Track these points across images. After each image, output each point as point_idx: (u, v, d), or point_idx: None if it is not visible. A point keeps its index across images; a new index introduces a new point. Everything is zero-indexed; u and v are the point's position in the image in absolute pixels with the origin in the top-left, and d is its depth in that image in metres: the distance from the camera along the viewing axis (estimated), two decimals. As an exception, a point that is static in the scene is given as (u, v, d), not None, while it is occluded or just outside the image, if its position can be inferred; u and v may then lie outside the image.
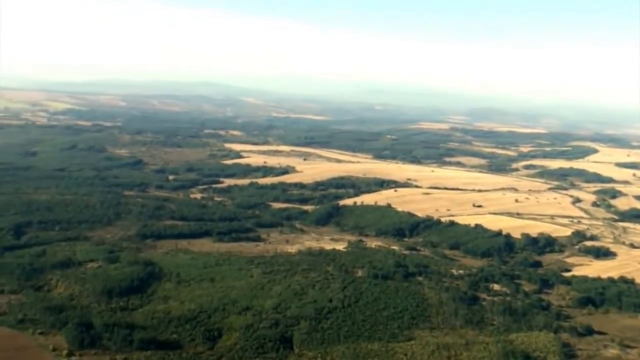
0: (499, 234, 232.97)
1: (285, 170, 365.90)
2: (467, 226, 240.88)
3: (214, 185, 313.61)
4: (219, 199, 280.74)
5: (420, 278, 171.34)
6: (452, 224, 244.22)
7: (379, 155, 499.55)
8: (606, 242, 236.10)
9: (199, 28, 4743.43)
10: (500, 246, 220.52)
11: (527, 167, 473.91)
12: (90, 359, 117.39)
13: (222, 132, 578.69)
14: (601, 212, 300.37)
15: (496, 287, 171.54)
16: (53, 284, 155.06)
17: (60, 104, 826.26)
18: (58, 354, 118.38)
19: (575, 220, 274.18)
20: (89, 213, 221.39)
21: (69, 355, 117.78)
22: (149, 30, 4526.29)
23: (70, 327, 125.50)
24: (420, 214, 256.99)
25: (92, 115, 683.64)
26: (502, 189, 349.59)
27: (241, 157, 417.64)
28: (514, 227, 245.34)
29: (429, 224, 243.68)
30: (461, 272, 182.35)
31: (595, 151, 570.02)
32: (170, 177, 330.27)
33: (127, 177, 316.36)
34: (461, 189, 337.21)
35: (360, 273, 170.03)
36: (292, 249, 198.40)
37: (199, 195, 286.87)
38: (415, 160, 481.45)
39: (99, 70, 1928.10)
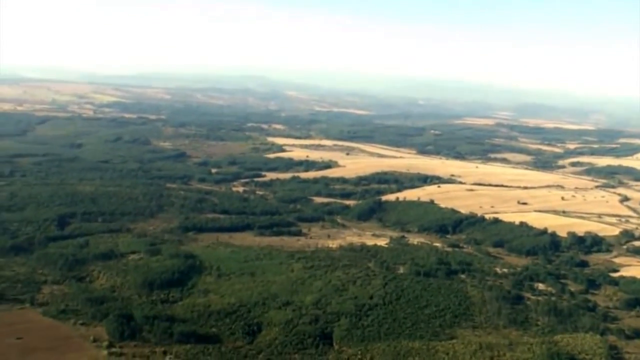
0: (544, 232, 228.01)
1: (327, 165, 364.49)
2: (511, 224, 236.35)
3: (256, 179, 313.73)
4: (260, 193, 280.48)
5: (463, 276, 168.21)
6: (496, 221, 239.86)
7: (423, 151, 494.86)
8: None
9: (245, 21, 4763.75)
10: (546, 245, 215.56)
11: (574, 164, 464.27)
12: (130, 350, 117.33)
13: (265, 126, 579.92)
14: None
15: (541, 286, 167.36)
16: (95, 275, 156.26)
17: (107, 96, 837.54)
18: (98, 345, 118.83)
19: (623, 219, 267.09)
20: (132, 205, 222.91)
21: (109, 347, 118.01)
22: (194, 24, 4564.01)
23: (111, 318, 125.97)
24: (463, 211, 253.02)
25: (137, 108, 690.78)
26: (548, 186, 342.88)
27: (284, 150, 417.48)
28: (560, 226, 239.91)
29: (472, 221, 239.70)
30: (505, 270, 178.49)
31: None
32: (213, 170, 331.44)
33: (170, 170, 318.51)
34: (506, 186, 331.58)
35: (402, 270, 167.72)
36: (333, 244, 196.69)
37: (241, 189, 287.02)
38: (460, 156, 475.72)
39: (145, 63, 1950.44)
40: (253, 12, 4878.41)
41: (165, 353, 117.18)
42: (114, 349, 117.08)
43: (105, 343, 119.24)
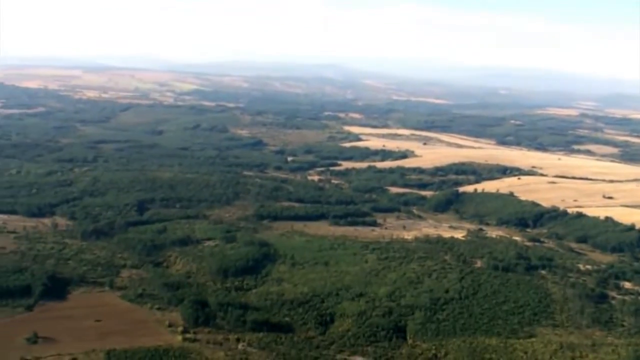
0: (631, 227, 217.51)
1: (404, 155, 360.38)
2: (596, 218, 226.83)
3: (331, 168, 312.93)
4: (336, 182, 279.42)
5: (543, 272, 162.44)
6: (580, 215, 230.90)
7: (502, 141, 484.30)
8: None
9: (322, 10, 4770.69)
10: (633, 241, 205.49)
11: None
12: (204, 337, 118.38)
13: (341, 115, 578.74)
14: None
15: (627, 285, 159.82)
16: (172, 261, 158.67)
17: (187, 84, 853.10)
18: (173, 330, 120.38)
19: None
20: (209, 192, 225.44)
21: (184, 332, 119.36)
22: (273, 13, 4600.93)
23: (186, 304, 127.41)
24: (545, 204, 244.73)
25: (216, 96, 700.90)
26: (636, 179, 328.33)
27: (360, 140, 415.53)
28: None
29: (554, 215, 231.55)
30: (589, 267, 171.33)
31: None
32: (289, 159, 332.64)
33: (247, 158, 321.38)
34: (590, 179, 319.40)
35: (479, 263, 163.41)
36: (408, 235, 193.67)
37: (316, 178, 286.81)
38: (541, 147, 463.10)
39: (224, 52, 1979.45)
40: (332, 1, 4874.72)
41: (238, 340, 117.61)
42: (188, 335, 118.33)
43: (180, 328, 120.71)
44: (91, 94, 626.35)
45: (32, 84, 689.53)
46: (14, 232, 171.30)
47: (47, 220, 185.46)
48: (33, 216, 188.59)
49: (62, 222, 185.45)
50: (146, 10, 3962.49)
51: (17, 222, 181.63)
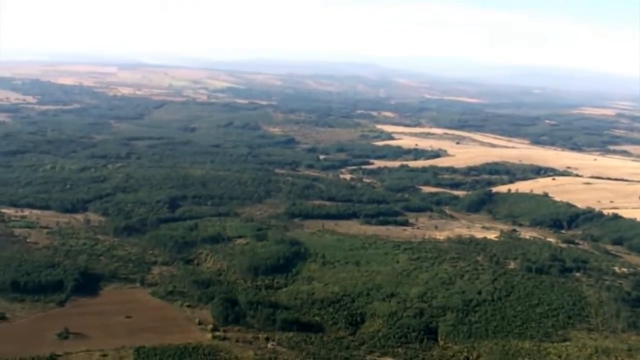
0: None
1: (436, 154, 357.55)
2: (633, 220, 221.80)
3: (363, 167, 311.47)
4: (368, 181, 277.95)
5: (578, 274, 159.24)
6: (616, 217, 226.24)
7: (536, 141, 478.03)
8: None
9: (355, 8, 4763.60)
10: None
11: None
12: (233, 335, 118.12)
13: (374, 113, 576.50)
14: None
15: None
16: (202, 258, 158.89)
17: (220, 82, 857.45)
18: (203, 328, 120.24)
19: None
20: (241, 190, 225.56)
21: (214, 330, 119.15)
22: (306, 11, 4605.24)
23: (216, 302, 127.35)
24: (580, 205, 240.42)
25: (249, 94, 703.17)
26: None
27: (392, 138, 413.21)
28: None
29: (589, 216, 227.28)
30: (624, 270, 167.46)
31: None
32: (321, 157, 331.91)
33: (279, 155, 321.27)
34: (627, 180, 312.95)
35: (512, 265, 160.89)
36: (440, 235, 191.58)
37: (348, 176, 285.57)
38: (576, 148, 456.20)
39: (257, 49, 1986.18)
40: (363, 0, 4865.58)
41: (267, 339, 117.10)
42: (218, 333, 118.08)
43: (210, 326, 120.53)
44: (125, 91, 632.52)
45: (68, 81, 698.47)
46: (47, 227, 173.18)
47: (80, 216, 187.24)
48: (66, 212, 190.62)
49: (94, 218, 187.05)
50: (180, 8, 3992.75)
51: (50, 217, 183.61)
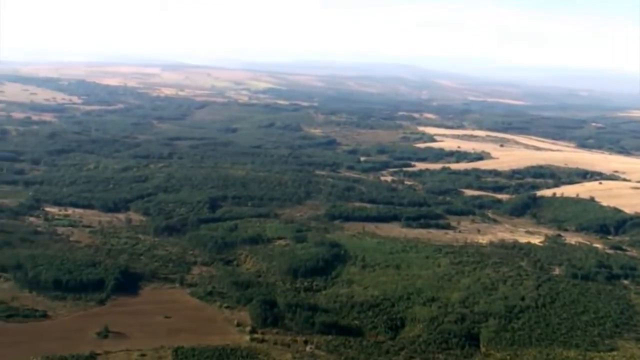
0: None
1: (479, 156, 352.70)
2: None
3: (405, 169, 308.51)
4: (409, 183, 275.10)
5: (626, 281, 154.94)
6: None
7: (583, 144, 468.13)
8: None
9: (399, 9, 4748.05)
10: None
11: None
12: (272, 337, 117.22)
13: (416, 115, 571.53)
14: None
15: None
16: (242, 259, 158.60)
17: (262, 83, 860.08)
18: (241, 330, 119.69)
19: None
20: (281, 191, 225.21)
21: (252, 332, 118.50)
22: (349, 12, 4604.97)
23: (255, 304, 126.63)
24: (628, 210, 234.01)
25: (290, 95, 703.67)
26: None
27: (434, 140, 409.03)
28: None
29: (637, 222, 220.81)
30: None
31: None
32: (362, 159, 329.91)
33: (320, 157, 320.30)
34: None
35: (557, 271, 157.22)
36: (483, 239, 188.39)
37: (389, 178, 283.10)
38: (624, 151, 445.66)
39: (300, 50, 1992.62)
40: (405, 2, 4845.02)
41: (306, 342, 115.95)
42: (256, 335, 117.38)
43: (248, 328, 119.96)
44: (168, 92, 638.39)
45: (113, 82, 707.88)
46: (89, 226, 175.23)
47: (121, 215, 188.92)
48: (108, 211, 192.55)
49: (136, 217, 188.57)
50: (223, 11, 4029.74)
51: (93, 216, 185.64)
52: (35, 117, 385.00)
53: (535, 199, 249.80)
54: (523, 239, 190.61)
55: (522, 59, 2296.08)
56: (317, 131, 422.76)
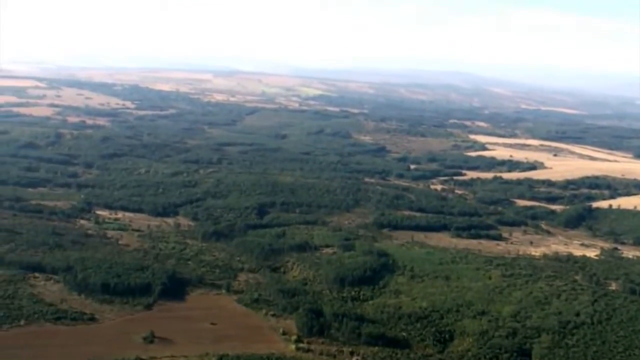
0: None
1: (532, 166, 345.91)
2: None
3: (455, 177, 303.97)
4: (459, 192, 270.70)
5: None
6: None
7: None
8: None
9: (450, 16, 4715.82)
10: None
11: None
12: (317, 347, 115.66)
13: (467, 123, 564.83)
14: None
15: None
16: (289, 267, 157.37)
17: (312, 89, 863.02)
18: (287, 339, 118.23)
19: None
20: (329, 198, 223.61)
21: (297, 341, 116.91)
22: (401, 19, 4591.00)
23: (301, 312, 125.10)
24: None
25: (341, 102, 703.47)
26: None
27: (486, 149, 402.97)
28: None
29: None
30: None
31: None
32: (412, 166, 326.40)
33: (369, 164, 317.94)
34: None
35: (614, 286, 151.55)
36: (536, 251, 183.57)
37: (439, 187, 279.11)
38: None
39: (351, 57, 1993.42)
40: (462, 7, 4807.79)
41: (352, 353, 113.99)
42: (301, 344, 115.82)
43: (294, 337, 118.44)
44: (220, 98, 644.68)
45: (165, 87, 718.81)
46: (138, 230, 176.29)
47: (170, 220, 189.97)
48: (158, 215, 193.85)
49: (184, 222, 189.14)
50: (275, 16, 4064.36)
51: (142, 220, 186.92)
52: (89, 121, 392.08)
53: (590, 210, 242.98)
54: (578, 252, 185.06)
55: (579, 66, 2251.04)
56: (366, 138, 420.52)
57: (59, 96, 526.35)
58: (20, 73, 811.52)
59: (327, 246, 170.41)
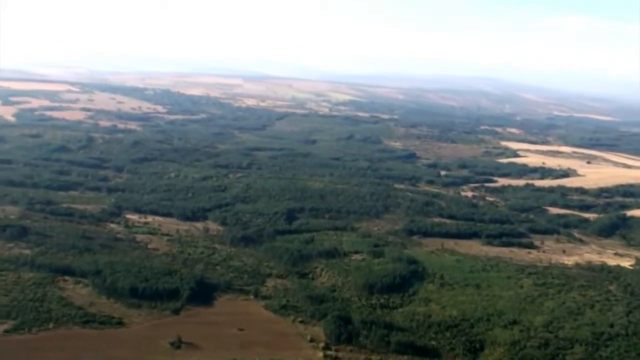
0: None
1: (565, 173, 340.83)
2: None
3: (486, 184, 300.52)
4: (490, 199, 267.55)
5: None
6: None
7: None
8: None
9: (484, 22, 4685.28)
10: None
11: None
12: (345, 355, 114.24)
13: (498, 129, 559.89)
14: None
15: None
16: (317, 273, 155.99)
17: (342, 95, 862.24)
18: (315, 346, 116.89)
19: None
20: (358, 204, 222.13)
21: (325, 349, 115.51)
22: (430, 24, 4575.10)
23: (329, 319, 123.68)
24: None
25: (371, 107, 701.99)
26: None
27: (517, 156, 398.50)
28: None
29: None
30: None
31: None
32: (442, 173, 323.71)
33: (399, 170, 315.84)
34: None
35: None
36: (568, 260, 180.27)
37: (469, 194, 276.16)
38: None
39: (380, 62, 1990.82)
40: (486, 13, 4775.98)
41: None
42: (329, 352, 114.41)
43: (322, 344, 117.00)
44: (250, 102, 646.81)
45: (196, 92, 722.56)
46: (168, 234, 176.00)
47: (199, 225, 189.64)
48: (187, 220, 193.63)
49: (213, 227, 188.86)
50: (303, 21, 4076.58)
51: (171, 225, 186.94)
52: (120, 125, 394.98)
53: (625, 219, 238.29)
54: (612, 262, 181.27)
55: (613, 73, 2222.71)
56: (396, 144, 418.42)
57: (91, 100, 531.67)
58: (54, 77, 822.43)
59: (356, 252, 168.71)
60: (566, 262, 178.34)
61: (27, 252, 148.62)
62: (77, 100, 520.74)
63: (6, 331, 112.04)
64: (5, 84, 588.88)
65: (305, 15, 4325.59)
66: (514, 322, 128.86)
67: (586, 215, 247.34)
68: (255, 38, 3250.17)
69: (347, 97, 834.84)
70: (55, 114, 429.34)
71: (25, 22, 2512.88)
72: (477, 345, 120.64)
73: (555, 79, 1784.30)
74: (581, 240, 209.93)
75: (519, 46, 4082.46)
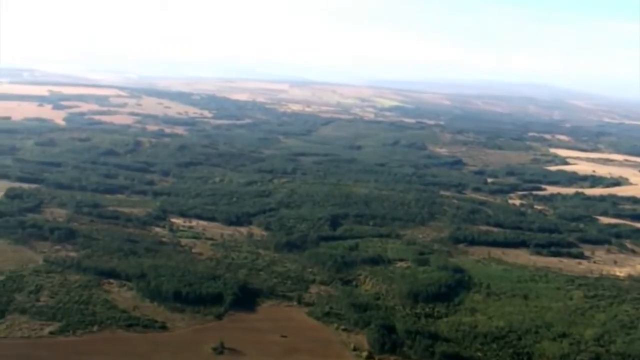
0: None
1: (616, 182, 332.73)
2: None
3: (534, 192, 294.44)
4: (539, 208, 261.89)
5: None
6: None
7: None
8: None
9: (530, 26, 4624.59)
10: None
11: None
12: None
13: (547, 136, 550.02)
14: None
15: None
16: (361, 280, 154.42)
17: (388, 100, 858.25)
18: (358, 355, 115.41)
19: None
20: (404, 211, 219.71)
21: (369, 358, 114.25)
22: (480, 29, 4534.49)
23: (373, 328, 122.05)
24: None
25: (417, 113, 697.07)
26: None
27: (567, 163, 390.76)
28: None
29: None
30: None
31: None
32: (489, 180, 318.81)
33: (445, 177, 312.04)
34: None
35: None
36: (620, 272, 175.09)
37: (517, 202, 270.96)
38: None
39: (428, 68, 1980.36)
40: (534, 19, 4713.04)
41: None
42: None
43: (365, 353, 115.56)
44: (295, 108, 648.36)
45: (242, 97, 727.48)
46: (212, 239, 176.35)
47: (243, 230, 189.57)
48: (231, 224, 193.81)
49: (257, 232, 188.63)
50: (348, 27, 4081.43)
51: (215, 229, 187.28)
52: (167, 130, 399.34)
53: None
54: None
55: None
56: (442, 150, 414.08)
57: (139, 105, 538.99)
58: (103, 82, 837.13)
59: (401, 260, 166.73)
60: (618, 273, 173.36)
61: (74, 254, 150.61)
62: (125, 105, 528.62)
63: (51, 333, 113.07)
64: (57, 89, 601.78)
65: (351, 23, 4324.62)
66: (563, 335, 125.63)
67: (639, 225, 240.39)
68: (296, 41, 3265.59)
69: (392, 103, 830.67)
70: (104, 118, 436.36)
71: (78, 29, 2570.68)
72: (525, 358, 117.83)
73: (603, 85, 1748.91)
74: (633, 251, 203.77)
75: (567, 53, 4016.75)
